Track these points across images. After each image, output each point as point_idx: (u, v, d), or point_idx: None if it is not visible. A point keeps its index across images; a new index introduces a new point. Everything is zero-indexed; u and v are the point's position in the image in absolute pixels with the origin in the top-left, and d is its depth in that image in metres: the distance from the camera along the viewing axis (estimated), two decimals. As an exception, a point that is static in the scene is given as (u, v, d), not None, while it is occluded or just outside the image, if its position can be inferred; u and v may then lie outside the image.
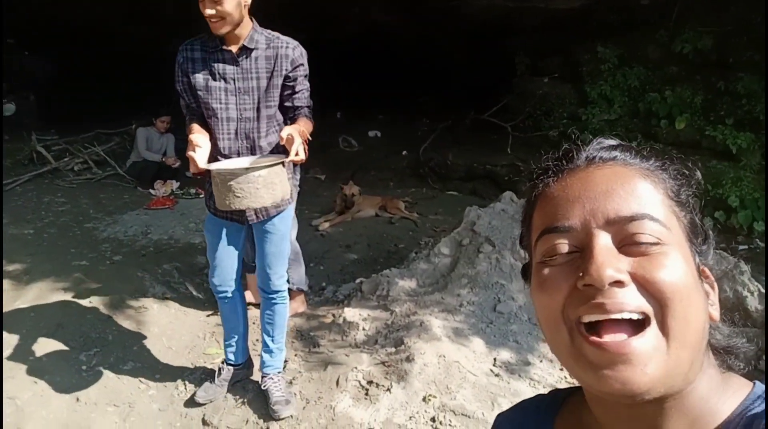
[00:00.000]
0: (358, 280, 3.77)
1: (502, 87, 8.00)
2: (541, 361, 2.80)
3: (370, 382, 2.64)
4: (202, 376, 2.87)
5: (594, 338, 0.51)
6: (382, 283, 3.53)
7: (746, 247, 5.11)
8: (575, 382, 0.59)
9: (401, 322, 3.11)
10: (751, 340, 2.74)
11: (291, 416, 2.51)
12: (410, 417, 2.43)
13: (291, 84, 2.34)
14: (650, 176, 0.58)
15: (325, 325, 3.28)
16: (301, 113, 2.37)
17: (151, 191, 6.25)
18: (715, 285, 0.60)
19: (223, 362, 2.76)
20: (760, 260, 4.65)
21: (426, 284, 3.55)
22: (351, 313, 3.26)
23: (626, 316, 0.51)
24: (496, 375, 2.69)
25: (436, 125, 8.39)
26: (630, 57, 6.76)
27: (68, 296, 3.48)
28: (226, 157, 2.36)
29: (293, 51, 2.31)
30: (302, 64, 2.34)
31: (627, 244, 0.54)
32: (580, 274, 0.53)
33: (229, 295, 2.59)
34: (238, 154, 2.36)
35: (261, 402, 2.61)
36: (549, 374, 2.72)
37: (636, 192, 0.56)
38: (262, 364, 2.66)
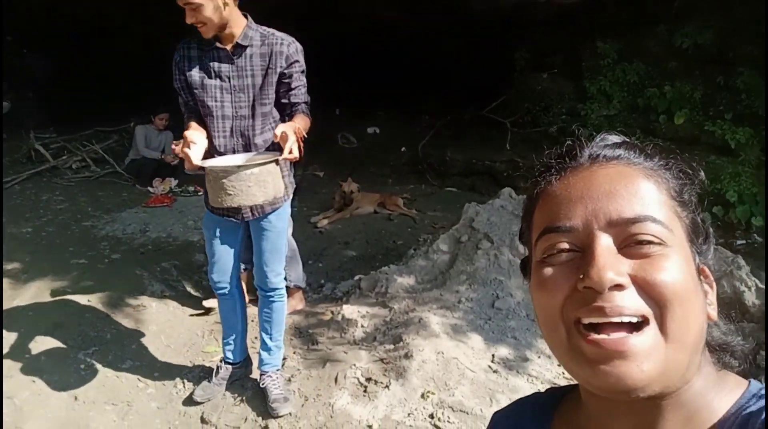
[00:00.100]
0: (356, 277, 3.77)
1: (501, 83, 7.99)
2: (539, 357, 2.81)
3: (368, 379, 2.64)
4: (200, 374, 2.87)
5: (592, 336, 0.51)
6: (380, 280, 3.53)
7: (744, 242, 5.11)
8: (573, 380, 0.59)
9: (400, 319, 3.11)
10: (748, 335, 2.74)
11: (290, 414, 2.51)
12: (409, 414, 2.43)
13: (287, 81, 2.33)
14: (653, 176, 0.58)
15: (323, 323, 3.28)
16: (299, 110, 2.36)
17: (150, 189, 6.24)
18: (714, 284, 0.59)
19: (221, 360, 2.77)
20: (758, 255, 4.65)
21: (424, 281, 3.55)
22: (349, 311, 3.26)
23: (625, 319, 0.51)
24: (495, 371, 2.69)
25: (435, 121, 8.38)
26: (629, 52, 6.74)
27: (66, 295, 3.48)
28: (222, 154, 2.36)
29: (288, 47, 2.29)
30: (297, 61, 2.32)
31: (628, 245, 0.54)
32: (581, 276, 0.53)
33: (228, 291, 2.60)
34: (234, 152, 2.36)
35: (260, 400, 2.61)
36: (547, 370, 2.72)
37: (639, 193, 0.56)
38: (261, 362, 2.66)
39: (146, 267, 3.99)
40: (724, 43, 6.08)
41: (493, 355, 2.81)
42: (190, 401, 2.67)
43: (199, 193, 5.79)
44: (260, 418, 2.54)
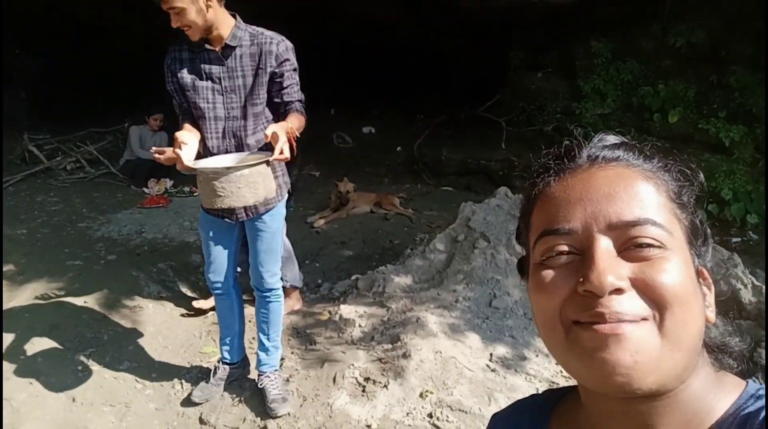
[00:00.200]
0: (353, 277, 3.77)
1: (496, 82, 8.00)
2: (537, 356, 2.81)
3: (366, 379, 2.64)
4: (198, 375, 2.87)
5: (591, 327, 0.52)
6: (377, 280, 3.53)
7: (739, 239, 5.14)
8: (571, 378, 0.59)
9: (397, 318, 3.12)
10: (745, 333, 2.76)
11: (288, 414, 2.51)
12: (407, 413, 2.43)
13: (279, 80, 2.31)
14: (653, 178, 0.58)
15: (321, 323, 3.28)
16: (292, 108, 2.35)
17: (145, 190, 6.22)
18: (712, 286, 0.59)
19: (219, 361, 2.76)
20: (754, 253, 4.68)
21: (421, 280, 3.55)
22: (347, 310, 3.26)
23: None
24: (492, 370, 2.70)
25: (430, 121, 8.38)
26: (623, 51, 6.76)
27: (63, 296, 3.47)
28: (215, 155, 2.36)
29: (277, 46, 2.27)
30: (288, 59, 2.30)
31: (628, 248, 0.54)
32: (581, 280, 0.53)
33: (225, 291, 2.61)
34: (227, 153, 2.35)
35: (258, 400, 2.61)
36: (545, 369, 2.73)
37: (639, 195, 0.55)
38: (259, 362, 2.66)
39: (142, 268, 3.98)
40: (717, 41, 6.11)
41: (491, 354, 2.82)
42: (188, 402, 2.66)
43: (195, 194, 5.78)
44: (259, 418, 2.54)
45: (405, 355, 2.71)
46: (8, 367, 2.79)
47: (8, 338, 3.00)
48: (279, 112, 2.40)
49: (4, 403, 2.56)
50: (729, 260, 3.02)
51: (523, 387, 2.59)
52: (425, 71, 9.33)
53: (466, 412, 2.41)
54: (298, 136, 2.26)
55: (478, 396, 2.51)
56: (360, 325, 3.14)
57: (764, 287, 2.91)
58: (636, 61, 6.65)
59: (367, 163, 7.87)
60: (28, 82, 8.46)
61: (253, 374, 2.78)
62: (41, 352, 2.93)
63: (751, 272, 3.12)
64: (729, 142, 5.62)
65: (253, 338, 2.90)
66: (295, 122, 2.27)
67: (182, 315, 3.43)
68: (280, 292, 2.63)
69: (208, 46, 2.27)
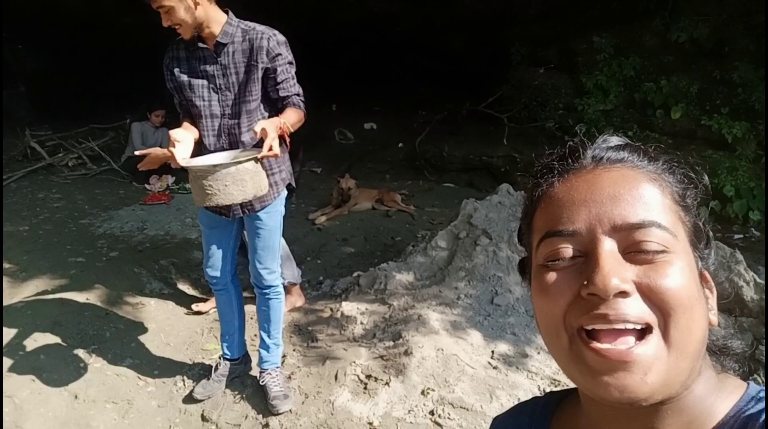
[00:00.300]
0: (355, 274, 3.77)
1: (498, 78, 7.98)
2: (538, 353, 2.81)
3: (368, 376, 2.64)
4: (200, 372, 2.87)
5: (595, 344, 0.51)
6: (379, 277, 3.53)
7: (741, 236, 5.13)
8: (571, 383, 0.59)
9: (399, 315, 3.12)
10: (747, 330, 2.76)
11: (290, 411, 2.52)
12: (409, 410, 2.44)
13: (272, 75, 2.29)
14: (657, 180, 0.57)
15: (323, 320, 3.29)
16: (290, 103, 2.33)
17: (147, 186, 6.22)
18: (714, 289, 0.59)
19: (220, 357, 2.77)
20: (756, 249, 4.67)
21: (423, 277, 3.55)
22: (349, 307, 3.26)
23: (629, 327, 0.51)
24: (494, 367, 2.70)
25: (432, 117, 8.37)
26: (626, 46, 6.74)
27: (65, 293, 3.47)
28: (211, 153, 2.36)
29: (268, 41, 2.25)
30: (280, 54, 2.27)
31: (633, 251, 0.53)
32: (585, 282, 0.52)
33: (223, 286, 2.62)
34: (223, 150, 2.35)
35: (260, 397, 2.62)
36: (547, 366, 2.73)
37: (643, 198, 0.55)
38: (260, 360, 2.66)
39: (144, 265, 3.98)
40: (720, 37, 6.08)
41: (492, 352, 2.82)
42: (190, 399, 2.67)
43: (197, 190, 5.77)
44: (261, 415, 2.54)
45: (407, 353, 2.71)
46: (10, 364, 2.79)
47: (10, 335, 3.00)
48: (277, 108, 2.38)
49: (7, 400, 2.57)
50: (731, 257, 3.02)
51: (524, 384, 2.59)
52: (427, 67, 9.32)
53: (467, 410, 2.41)
54: (291, 130, 2.24)
55: (480, 393, 2.51)
56: (362, 323, 3.14)
57: (766, 284, 2.90)
58: (638, 56, 6.62)
59: (368, 160, 7.87)
60: (29, 78, 8.47)
61: (255, 371, 2.78)
62: (43, 350, 2.94)
63: (753, 269, 3.11)
64: (731, 138, 5.61)
65: (255, 335, 2.91)
66: (292, 117, 2.26)
67: (186, 313, 3.43)
68: (280, 289, 2.63)
69: (201, 45, 2.28)
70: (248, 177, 2.06)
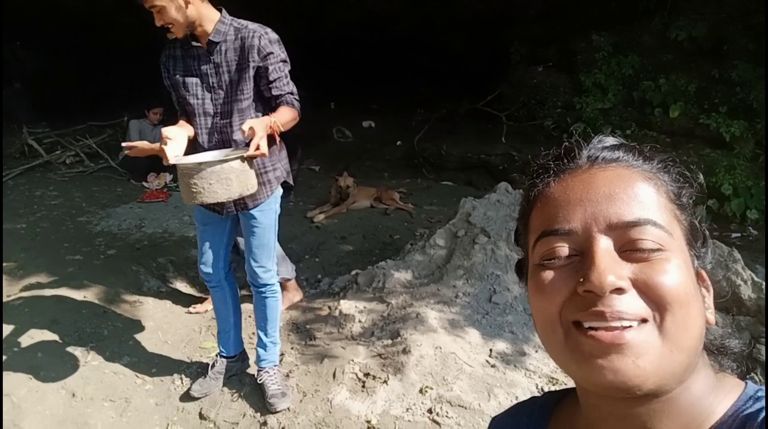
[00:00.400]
0: (353, 272, 3.77)
1: (496, 76, 7.98)
2: (536, 352, 2.82)
3: (366, 375, 2.64)
4: (198, 370, 2.87)
5: (591, 332, 0.51)
6: (377, 275, 3.53)
7: (739, 234, 5.14)
8: (569, 381, 0.59)
9: (397, 314, 3.12)
10: (744, 329, 2.76)
11: (288, 409, 2.52)
12: (407, 409, 2.44)
13: (265, 74, 2.28)
14: (652, 179, 0.57)
15: (321, 318, 3.29)
16: (283, 101, 2.31)
17: (145, 184, 6.22)
18: (711, 288, 0.59)
19: (217, 355, 2.77)
20: (754, 248, 4.68)
21: (422, 276, 3.55)
22: (347, 306, 3.26)
23: (626, 324, 0.51)
24: (492, 366, 2.71)
25: (430, 115, 8.37)
26: (624, 45, 6.74)
27: (62, 291, 3.46)
28: (205, 151, 2.36)
29: (260, 40, 2.23)
30: (272, 52, 2.26)
31: (628, 249, 0.53)
32: (581, 280, 0.53)
33: (217, 282, 2.62)
34: (216, 148, 2.35)
35: (258, 395, 2.62)
36: (544, 364, 2.73)
37: (639, 196, 0.55)
38: (258, 358, 2.66)
39: (142, 263, 3.98)
40: (719, 36, 6.09)
41: (490, 350, 2.82)
42: (188, 397, 2.67)
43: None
44: (258, 413, 2.54)
45: (405, 351, 2.71)
46: (8, 363, 2.79)
47: (8, 333, 3.00)
48: (271, 107, 2.37)
49: (5, 398, 2.57)
50: (729, 256, 3.02)
51: (522, 383, 2.59)
52: (427, 67, 9.31)
53: (465, 408, 2.41)
54: (283, 129, 2.23)
55: (478, 392, 2.52)
56: (360, 321, 3.14)
57: (764, 283, 2.91)
58: (637, 55, 6.63)
59: (366, 158, 7.86)
60: (29, 77, 8.45)
61: (252, 369, 2.78)
62: (41, 347, 2.93)
63: (751, 268, 3.12)
64: (729, 137, 5.62)
65: (253, 333, 2.90)
66: (286, 115, 2.25)
67: (186, 312, 3.43)
68: (276, 287, 2.63)
69: (195, 43, 2.28)
70: (233, 176, 2.05)
